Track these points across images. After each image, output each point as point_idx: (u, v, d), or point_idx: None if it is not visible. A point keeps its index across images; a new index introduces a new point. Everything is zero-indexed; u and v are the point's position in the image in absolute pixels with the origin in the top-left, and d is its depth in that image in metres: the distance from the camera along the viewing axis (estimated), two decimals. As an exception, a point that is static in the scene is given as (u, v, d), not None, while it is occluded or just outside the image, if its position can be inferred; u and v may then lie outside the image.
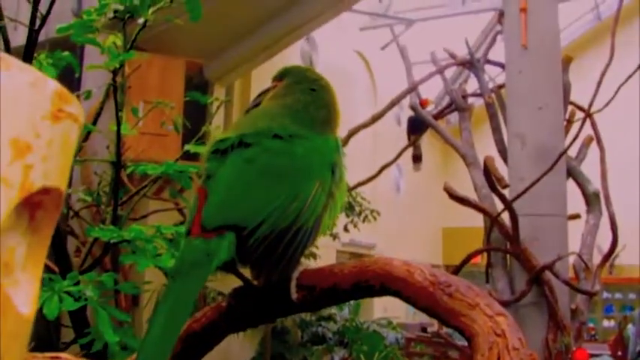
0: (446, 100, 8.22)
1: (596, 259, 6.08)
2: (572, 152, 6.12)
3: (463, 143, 6.61)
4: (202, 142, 3.18)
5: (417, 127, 7.93)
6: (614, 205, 6.02)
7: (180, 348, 1.25)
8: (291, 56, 9.76)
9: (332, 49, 12.16)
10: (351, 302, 9.57)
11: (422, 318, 13.01)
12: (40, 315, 2.18)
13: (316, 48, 12.00)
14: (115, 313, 2.48)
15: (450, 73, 9.65)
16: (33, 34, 2.61)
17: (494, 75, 7.51)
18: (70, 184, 5.09)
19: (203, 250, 1.11)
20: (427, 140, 11.72)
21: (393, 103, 7.11)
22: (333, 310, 10.13)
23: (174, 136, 5.70)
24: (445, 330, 7.32)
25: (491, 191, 5.36)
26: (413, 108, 7.44)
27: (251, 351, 9.09)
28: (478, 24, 12.11)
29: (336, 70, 11.17)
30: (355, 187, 7.11)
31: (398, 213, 14.30)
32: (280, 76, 1.43)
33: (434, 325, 10.63)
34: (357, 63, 13.82)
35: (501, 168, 5.34)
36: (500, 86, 6.64)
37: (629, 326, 9.82)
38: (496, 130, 6.44)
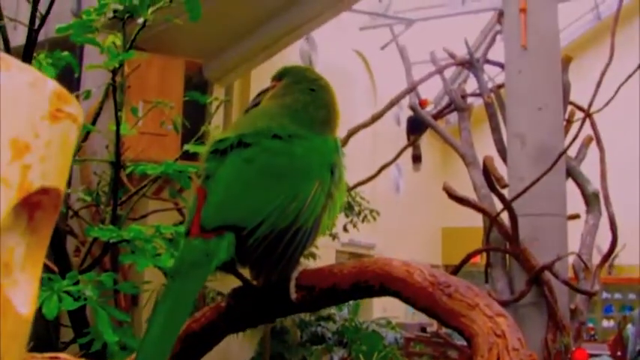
0: (445, 100, 8.22)
1: (596, 259, 6.09)
2: (572, 152, 6.12)
3: (462, 143, 6.61)
4: (202, 142, 3.18)
5: (416, 127, 7.93)
6: (613, 205, 6.02)
7: (180, 348, 1.25)
8: (290, 56, 9.76)
9: (331, 49, 12.16)
10: (351, 302, 9.57)
11: (421, 318, 13.00)
12: (39, 314, 2.18)
13: (316, 48, 12.00)
14: (114, 313, 2.48)
15: (449, 73, 9.65)
16: (32, 33, 2.61)
17: (493, 75, 7.51)
18: (69, 184, 5.09)
19: (202, 250, 1.11)
20: (426, 140, 11.71)
21: (392, 103, 7.10)
22: (333, 310, 10.13)
23: (173, 136, 5.70)
24: (444, 330, 7.32)
25: (491, 191, 5.36)
26: (412, 108, 7.44)
27: (250, 351, 9.09)
28: (478, 24, 12.09)
29: (336, 70, 11.16)
30: (355, 187, 7.11)
31: (397, 213, 14.29)
32: (279, 76, 1.43)
33: (433, 325, 10.63)
34: (357, 63, 13.82)
35: (501, 168, 5.34)
36: (500, 86, 6.64)
37: (629, 326, 9.83)
38: (495, 130, 6.44)
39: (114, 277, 2.63)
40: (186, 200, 3.01)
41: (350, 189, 7.17)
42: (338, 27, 11.05)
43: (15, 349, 0.48)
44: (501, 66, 6.55)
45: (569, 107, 6.34)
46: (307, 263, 1.25)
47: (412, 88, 7.29)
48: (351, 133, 6.47)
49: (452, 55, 7.38)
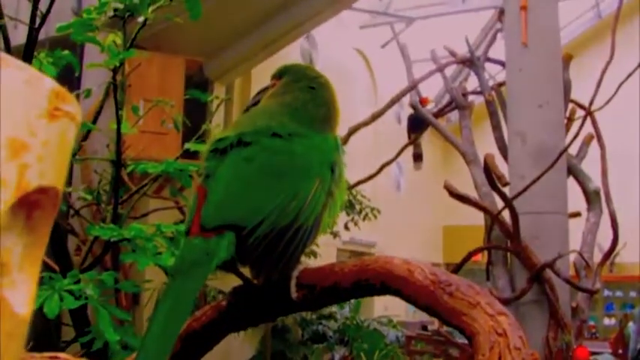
0: (446, 98, 8.22)
1: (597, 257, 6.09)
2: (573, 150, 6.12)
3: (463, 141, 6.60)
4: (202, 141, 3.18)
5: (417, 125, 7.92)
6: (614, 202, 6.02)
7: (181, 347, 1.25)
8: (291, 54, 9.75)
9: (332, 47, 12.15)
10: (352, 301, 9.57)
11: (422, 316, 13.01)
12: (40, 314, 2.18)
13: (316, 46, 11.99)
14: (115, 312, 2.48)
15: (450, 71, 9.66)
16: (33, 32, 2.61)
17: (494, 73, 7.51)
18: (70, 183, 5.10)
19: (203, 249, 1.11)
20: (427, 138, 11.73)
21: (393, 102, 7.10)
22: (334, 308, 10.13)
23: (174, 135, 5.69)
24: (445, 328, 7.32)
25: (492, 189, 5.36)
26: (413, 106, 7.44)
27: (251, 349, 9.09)
28: (478, 22, 12.09)
29: (336, 68, 11.16)
30: (355, 185, 7.11)
31: (398, 211, 14.29)
32: (279, 75, 1.43)
33: (434, 324, 10.63)
34: (357, 61, 13.81)
35: (502, 166, 5.34)
36: (501, 84, 6.64)
37: (630, 324, 9.81)
38: (496, 128, 6.43)
39: (115, 276, 2.63)
40: (186, 199, 3.01)
41: (351, 187, 7.16)
42: (338, 25, 11.05)
43: (13, 350, 0.48)
44: (502, 64, 6.55)
45: (570, 105, 6.33)
46: (308, 262, 1.25)
47: (413, 87, 7.29)
48: (352, 132, 6.46)
49: (453, 53, 7.38)
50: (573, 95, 6.31)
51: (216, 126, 3.88)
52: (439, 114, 7.64)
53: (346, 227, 9.48)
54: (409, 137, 8.12)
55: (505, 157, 6.11)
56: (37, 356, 1.18)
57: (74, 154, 2.92)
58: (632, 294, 15.39)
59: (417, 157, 8.59)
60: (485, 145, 6.36)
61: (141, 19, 2.67)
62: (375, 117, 6.96)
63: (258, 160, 1.20)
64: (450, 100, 7.33)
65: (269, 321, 1.36)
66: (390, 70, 12.61)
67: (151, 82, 6.77)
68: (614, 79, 5.49)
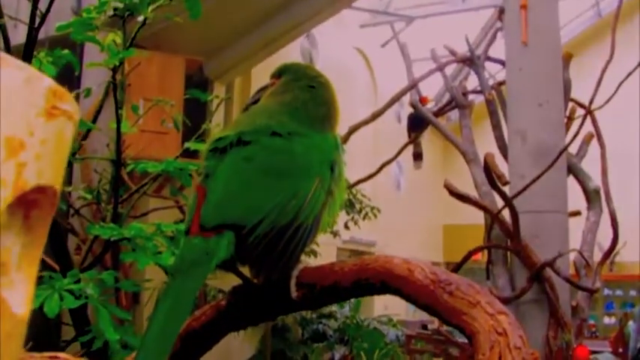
0: (446, 98, 8.22)
1: (597, 256, 6.09)
2: (573, 149, 6.12)
3: (463, 140, 6.60)
4: (202, 140, 3.17)
5: (417, 124, 7.92)
6: (614, 201, 6.02)
7: (180, 346, 1.25)
8: (291, 53, 9.74)
9: (332, 47, 12.15)
10: (352, 300, 9.58)
11: (422, 315, 13.00)
12: (40, 313, 2.18)
13: (316, 45, 11.99)
14: (115, 311, 2.48)
15: (450, 70, 9.65)
16: (33, 32, 2.60)
17: (494, 72, 7.51)
18: (70, 182, 5.10)
19: (202, 248, 1.10)
20: (427, 137, 11.71)
21: (393, 101, 7.10)
22: (334, 307, 10.14)
23: (174, 134, 5.69)
24: (445, 327, 7.32)
25: (492, 188, 5.36)
26: (413, 105, 7.44)
27: (251, 349, 9.09)
28: (478, 21, 12.08)
29: (336, 68, 11.16)
30: (355, 184, 7.11)
31: (398, 210, 14.29)
32: (278, 74, 1.42)
33: (434, 323, 10.63)
34: (357, 60, 13.80)
35: (502, 165, 5.34)
36: (501, 83, 6.64)
37: (630, 323, 9.80)
38: (496, 127, 6.43)
39: (115, 275, 2.63)
40: (187, 198, 3.01)
41: (351, 186, 7.16)
42: (338, 24, 11.04)
43: (11, 350, 0.48)
44: (502, 63, 6.55)
45: (570, 104, 6.33)
46: (308, 261, 1.25)
47: (413, 86, 7.29)
48: (352, 131, 6.46)
49: (453, 53, 7.38)
50: (573, 94, 6.31)
51: (216, 125, 3.87)
52: (439, 113, 7.64)
53: (346, 226, 9.48)
54: (409, 136, 8.12)
55: (505, 156, 6.11)
56: (36, 356, 1.18)
57: (74, 153, 2.92)
58: (632, 293, 15.39)
59: (417, 156, 8.59)
60: (485, 144, 6.36)
61: (141, 18, 2.67)
62: (375, 116, 6.96)
63: (258, 159, 1.20)
64: (450, 99, 7.33)
65: (269, 320, 1.36)
66: (390, 69, 12.61)
67: (151, 81, 6.77)
68: (614, 78, 5.49)
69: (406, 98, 7.68)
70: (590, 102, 5.93)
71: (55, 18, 2.77)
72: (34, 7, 2.62)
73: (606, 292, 15.18)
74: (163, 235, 2.59)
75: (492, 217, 5.56)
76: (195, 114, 4.93)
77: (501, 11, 6.68)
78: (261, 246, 1.13)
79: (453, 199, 5.63)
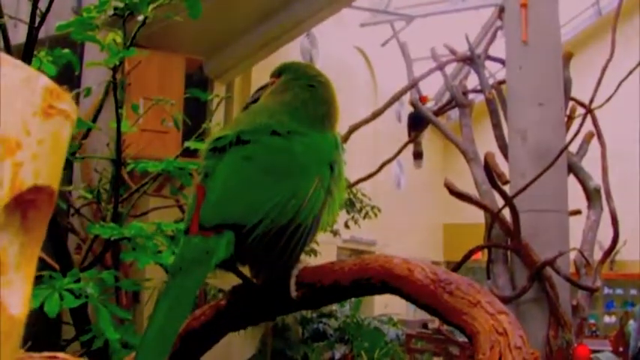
0: (446, 97, 8.22)
1: (597, 255, 6.09)
2: (573, 148, 6.12)
3: (464, 139, 6.60)
4: (202, 139, 3.17)
5: (417, 123, 7.92)
6: (615, 200, 6.02)
7: (180, 346, 1.25)
8: (291, 53, 9.75)
9: (332, 46, 12.15)
10: (352, 299, 9.58)
11: (422, 315, 13.00)
12: (40, 313, 2.18)
13: (316, 44, 11.99)
14: (115, 311, 2.48)
15: (450, 69, 9.65)
16: (33, 31, 2.60)
17: (494, 71, 7.51)
18: (70, 181, 5.09)
19: (202, 248, 1.10)
20: (428, 136, 11.71)
21: (393, 100, 7.09)
22: (334, 306, 10.15)
23: (174, 133, 5.69)
24: (446, 326, 7.31)
25: (492, 187, 5.36)
26: (413, 104, 7.43)
27: (252, 348, 9.10)
28: (478, 20, 12.10)
29: (337, 67, 11.16)
30: (356, 183, 7.11)
31: (399, 209, 14.29)
32: (278, 73, 1.42)
33: (434, 322, 10.64)
34: (358, 59, 13.81)
35: (502, 164, 5.34)
36: (501, 82, 6.64)
37: (631, 322, 9.81)
38: (497, 126, 6.43)
39: (115, 275, 2.63)
40: (187, 197, 3.01)
41: (351, 185, 7.16)
42: (338, 23, 11.04)
43: (8, 350, 0.47)
44: (502, 62, 6.54)
45: (571, 103, 6.33)
46: (308, 260, 1.24)
47: (413, 85, 7.29)
48: (352, 130, 6.45)
49: (453, 52, 7.38)
50: (574, 93, 6.31)
51: (217, 124, 3.87)
52: (439, 112, 7.64)
53: (346, 225, 9.48)
54: (409, 135, 8.12)
55: (505, 155, 6.11)
56: (35, 356, 1.18)
57: (74, 153, 2.92)
58: (633, 292, 15.40)
59: (418, 156, 8.59)
60: (486, 143, 6.36)
61: (141, 17, 2.66)
62: (375, 115, 6.96)
63: (257, 158, 1.20)
64: (451, 98, 7.32)
65: (269, 320, 1.36)
66: (390, 68, 12.61)
67: (151, 80, 6.77)
68: (614, 76, 5.48)
69: (406, 97, 7.68)
70: (591, 101, 5.93)
71: (55, 17, 2.77)
72: (34, 7, 2.61)
73: (607, 291, 15.19)
74: (163, 234, 2.59)
75: (493, 216, 5.56)
76: (196, 113, 4.94)
77: (501, 10, 6.68)
78: (261, 245, 1.12)
79: (454, 199, 5.63)
